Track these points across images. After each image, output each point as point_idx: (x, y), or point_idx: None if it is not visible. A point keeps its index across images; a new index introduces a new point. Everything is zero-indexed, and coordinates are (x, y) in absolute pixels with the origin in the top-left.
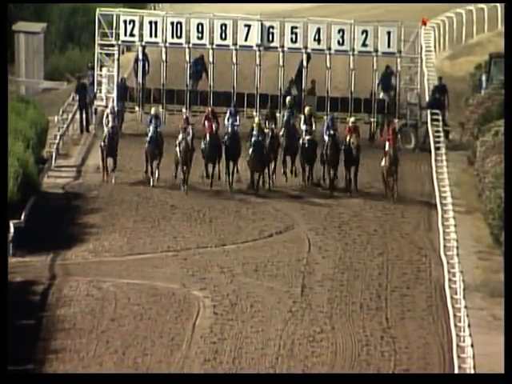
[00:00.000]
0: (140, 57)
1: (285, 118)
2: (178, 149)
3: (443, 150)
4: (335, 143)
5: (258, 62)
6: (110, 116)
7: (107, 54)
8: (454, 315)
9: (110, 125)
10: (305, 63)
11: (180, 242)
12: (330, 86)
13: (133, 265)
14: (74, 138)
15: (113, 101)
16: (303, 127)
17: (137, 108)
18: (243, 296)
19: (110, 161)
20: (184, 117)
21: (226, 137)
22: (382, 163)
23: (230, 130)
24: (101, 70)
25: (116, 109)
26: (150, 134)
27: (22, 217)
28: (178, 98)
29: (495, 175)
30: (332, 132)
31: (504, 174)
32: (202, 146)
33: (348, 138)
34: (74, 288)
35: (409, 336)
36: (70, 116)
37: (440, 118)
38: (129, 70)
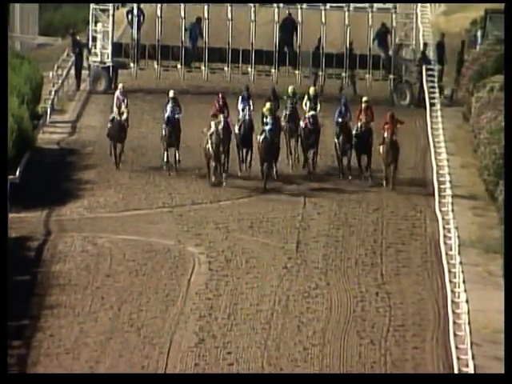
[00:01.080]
0: (135, 12)
1: (288, 110)
2: (208, 144)
3: (438, 106)
4: (347, 131)
5: (253, 17)
6: (120, 99)
7: (102, 10)
8: (449, 271)
9: (123, 110)
10: (300, 18)
11: (175, 198)
12: (326, 43)
13: (128, 221)
14: (69, 93)
15: (122, 88)
16: (306, 107)
17: (131, 64)
18: (238, 252)
19: (118, 146)
20: (216, 102)
21: (239, 124)
22: (381, 150)
23: (242, 116)
24: (95, 26)
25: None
26: (166, 118)
27: (17, 173)
28: (173, 54)
29: (490, 131)
30: (341, 120)
31: (504, 130)
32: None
33: (360, 123)
34: (69, 244)
35: (404, 292)
36: (65, 72)
37: (435, 73)
38: (124, 25)
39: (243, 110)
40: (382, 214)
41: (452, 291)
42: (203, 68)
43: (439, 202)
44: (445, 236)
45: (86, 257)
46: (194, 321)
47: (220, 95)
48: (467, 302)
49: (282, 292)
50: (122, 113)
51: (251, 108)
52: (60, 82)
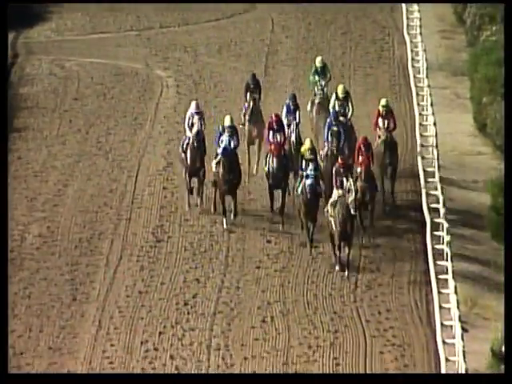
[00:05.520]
0: None
1: (317, 99)
2: (333, 221)
3: None
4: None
5: None
6: (195, 116)
7: None
8: (417, 94)
9: (195, 129)
10: None
11: (143, 21)
12: None
13: (96, 44)
14: None
15: (196, 107)
16: (334, 110)
17: None
18: (206, 76)
19: (194, 180)
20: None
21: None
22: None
23: (288, 132)
24: None
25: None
26: (222, 146)
27: None
28: None
29: None
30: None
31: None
32: (266, 169)
33: (379, 134)
34: (36, 67)
35: (372, 115)
36: None
37: None
38: None
39: (289, 126)
40: (350, 37)
41: (420, 114)
42: None
43: (407, 26)
44: (413, 59)
45: (54, 80)
46: (163, 144)
47: (274, 117)
48: (435, 124)
49: None
50: (192, 125)
51: (298, 121)
52: None
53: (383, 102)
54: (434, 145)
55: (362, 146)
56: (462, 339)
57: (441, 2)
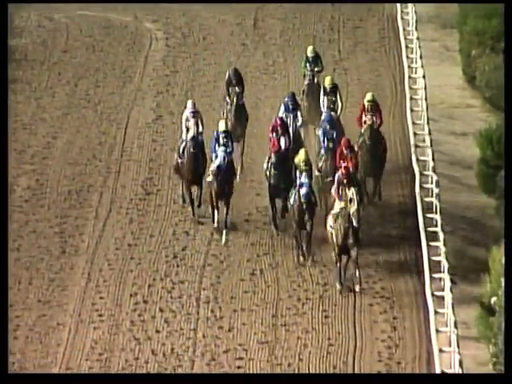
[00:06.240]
0: None
1: (306, 80)
2: (334, 234)
3: None
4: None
5: None
6: (191, 120)
7: None
8: (406, 47)
9: (191, 134)
10: None
11: None
12: None
13: None
14: None
15: (192, 106)
16: (324, 105)
17: None
18: (196, 29)
19: (194, 188)
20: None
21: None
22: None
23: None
24: None
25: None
26: (216, 163)
27: None
28: None
29: None
30: (331, 146)
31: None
32: (265, 168)
33: (363, 130)
34: (25, 19)
35: (361, 68)
36: None
37: None
38: None
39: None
40: None
41: (409, 67)
42: None
43: None
44: (402, 12)
45: (43, 32)
46: (152, 97)
47: (278, 120)
48: (424, 77)
49: (239, 68)
50: (189, 129)
51: (298, 122)
52: None
53: (369, 96)
54: (423, 97)
55: (344, 149)
56: (451, 291)
57: (440, 2)
